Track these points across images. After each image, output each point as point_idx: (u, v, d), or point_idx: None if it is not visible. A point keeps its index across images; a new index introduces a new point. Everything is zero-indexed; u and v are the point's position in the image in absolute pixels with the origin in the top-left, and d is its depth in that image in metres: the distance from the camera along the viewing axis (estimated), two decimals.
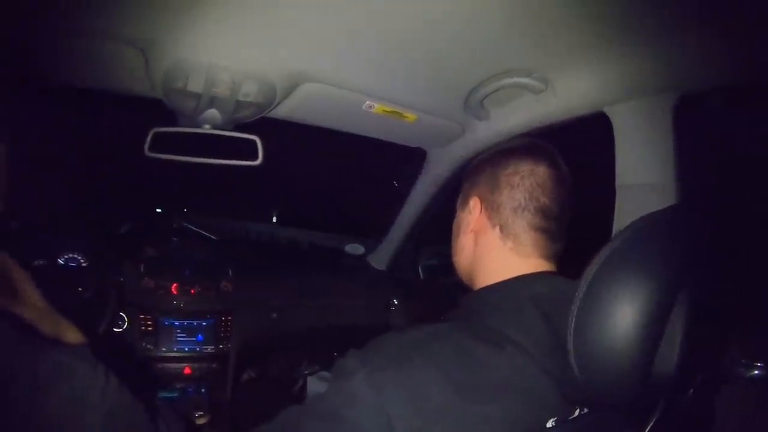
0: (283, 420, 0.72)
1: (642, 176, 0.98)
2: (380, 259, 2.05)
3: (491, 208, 0.88)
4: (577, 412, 0.72)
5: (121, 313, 1.54)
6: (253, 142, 1.18)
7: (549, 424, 0.69)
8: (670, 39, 0.83)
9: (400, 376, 0.66)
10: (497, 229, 0.87)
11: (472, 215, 0.91)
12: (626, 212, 0.99)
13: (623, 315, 0.62)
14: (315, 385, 1.82)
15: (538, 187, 0.85)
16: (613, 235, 0.96)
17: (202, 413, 1.48)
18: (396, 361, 0.68)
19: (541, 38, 0.87)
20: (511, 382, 0.68)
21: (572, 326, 0.65)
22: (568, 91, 1.03)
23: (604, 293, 0.63)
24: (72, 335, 0.79)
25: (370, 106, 1.16)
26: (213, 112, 1.11)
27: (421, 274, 2.01)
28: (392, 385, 0.65)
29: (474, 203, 0.91)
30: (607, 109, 1.02)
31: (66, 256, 1.49)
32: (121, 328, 1.53)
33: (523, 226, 0.85)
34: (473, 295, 0.89)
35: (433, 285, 2.08)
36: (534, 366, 0.70)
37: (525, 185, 0.85)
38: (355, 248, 2.11)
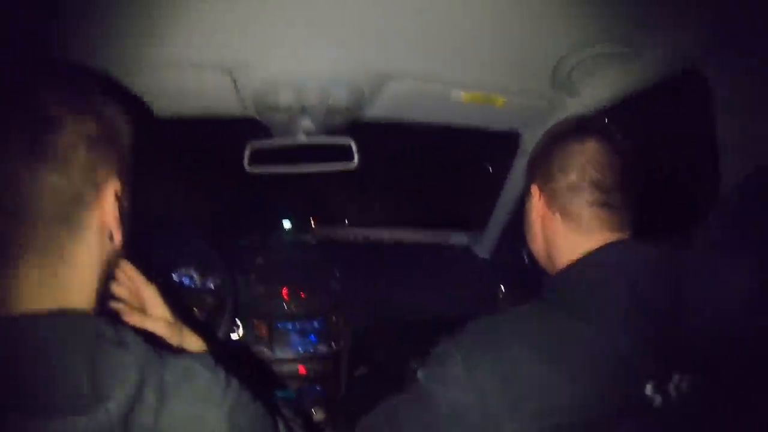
0: (383, 408, 0.86)
1: (745, 130, 0.94)
2: (484, 247, 2.00)
3: (549, 196, 0.91)
4: (676, 377, 0.74)
5: (236, 320, 1.62)
6: (348, 145, 1.22)
7: (648, 391, 0.72)
8: None
9: (491, 354, 0.74)
10: (557, 215, 0.89)
11: (534, 204, 0.95)
12: (731, 166, 0.96)
13: (737, 279, 0.63)
14: None
15: (588, 163, 0.85)
16: (719, 191, 0.97)
17: (319, 409, 1.54)
18: (485, 341, 0.77)
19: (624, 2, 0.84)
20: (603, 353, 0.72)
21: (682, 292, 0.68)
22: (657, 52, 0.99)
23: (717, 259, 0.65)
24: (195, 344, 0.87)
25: (458, 95, 1.14)
26: (306, 122, 1.15)
27: (525, 259, 1.94)
28: (484, 363, 0.73)
29: (534, 192, 0.95)
30: (700, 67, 0.97)
31: (180, 272, 1.56)
32: (238, 334, 1.62)
33: (581, 204, 0.86)
34: (553, 280, 0.91)
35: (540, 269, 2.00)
36: (624, 335, 0.73)
37: (575, 165, 0.87)
38: (458, 238, 2.08)
